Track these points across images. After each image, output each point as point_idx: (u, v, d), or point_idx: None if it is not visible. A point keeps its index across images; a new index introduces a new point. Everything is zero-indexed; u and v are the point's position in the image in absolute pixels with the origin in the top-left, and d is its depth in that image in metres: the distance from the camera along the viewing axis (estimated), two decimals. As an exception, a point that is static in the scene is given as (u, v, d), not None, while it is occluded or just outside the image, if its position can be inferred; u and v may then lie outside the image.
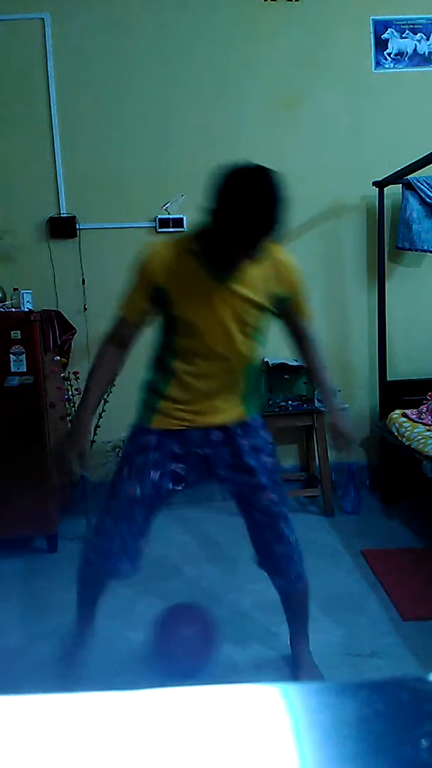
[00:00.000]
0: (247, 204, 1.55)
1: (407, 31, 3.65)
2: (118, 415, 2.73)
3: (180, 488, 1.88)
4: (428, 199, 3.49)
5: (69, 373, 3.23)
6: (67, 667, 2.07)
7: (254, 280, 1.75)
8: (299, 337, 1.94)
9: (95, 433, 2.97)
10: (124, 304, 1.80)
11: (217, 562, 2.92)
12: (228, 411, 1.86)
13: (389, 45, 3.66)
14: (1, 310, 3.14)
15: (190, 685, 0.42)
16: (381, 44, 3.66)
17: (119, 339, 1.82)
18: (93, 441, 2.83)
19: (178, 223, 3.60)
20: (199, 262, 1.72)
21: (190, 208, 3.61)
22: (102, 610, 2.23)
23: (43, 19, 3.52)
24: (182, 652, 2.03)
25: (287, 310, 1.86)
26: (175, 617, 2.10)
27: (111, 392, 2.63)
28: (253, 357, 1.87)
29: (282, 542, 1.91)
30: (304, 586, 2.00)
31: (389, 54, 3.66)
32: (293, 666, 2.10)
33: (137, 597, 2.56)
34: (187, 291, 1.73)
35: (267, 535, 1.91)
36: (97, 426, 3.10)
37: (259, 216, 1.56)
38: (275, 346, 3.66)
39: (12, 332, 2.93)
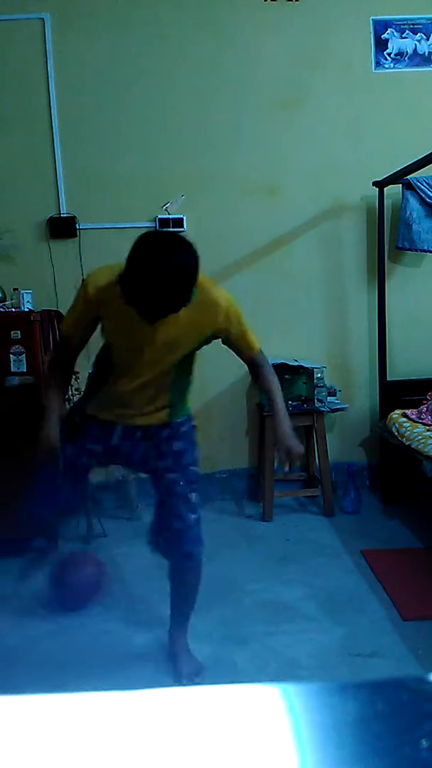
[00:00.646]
0: (141, 280, 1.61)
1: (407, 31, 3.65)
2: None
3: (94, 464, 2.12)
4: (428, 199, 3.49)
5: (69, 373, 3.23)
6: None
7: (182, 324, 1.82)
8: (249, 367, 2.05)
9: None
10: (67, 324, 1.97)
11: (217, 562, 2.91)
12: (152, 418, 2.00)
13: (389, 45, 3.65)
14: (1, 310, 3.14)
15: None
16: (381, 44, 3.66)
17: (63, 351, 2.02)
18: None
19: (178, 223, 3.59)
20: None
21: (190, 208, 3.61)
22: (104, 610, 2.23)
23: (43, 19, 3.52)
24: (75, 589, 2.39)
25: (229, 344, 1.97)
26: (70, 561, 2.44)
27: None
28: (181, 375, 1.98)
29: (177, 518, 2.02)
30: (193, 567, 2.07)
31: (389, 54, 3.66)
32: (170, 656, 2.15)
33: (139, 597, 2.56)
34: (119, 326, 1.86)
35: (166, 510, 2.05)
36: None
37: (151, 293, 1.62)
38: (275, 347, 3.67)
39: (12, 332, 2.93)
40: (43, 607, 2.45)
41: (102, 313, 1.87)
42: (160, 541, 2.08)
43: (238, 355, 2.02)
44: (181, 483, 2.03)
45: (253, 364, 2.03)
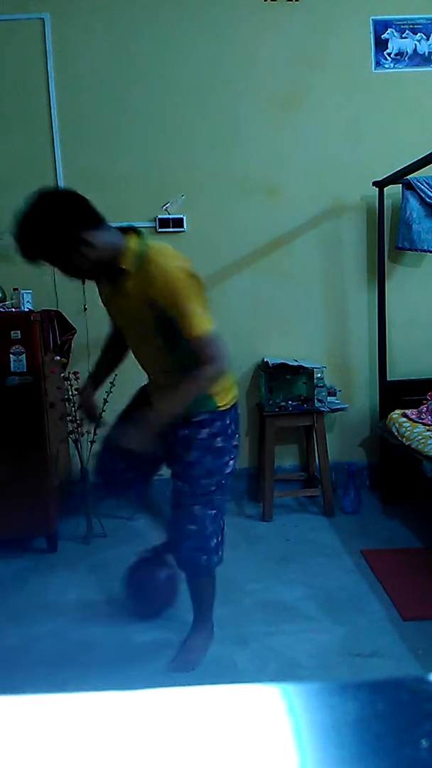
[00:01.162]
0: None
1: (407, 31, 3.65)
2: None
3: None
4: (428, 199, 3.49)
5: (69, 373, 3.22)
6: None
7: (131, 294, 1.84)
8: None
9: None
10: None
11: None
12: None
13: (389, 45, 3.65)
14: (1, 310, 3.14)
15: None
16: (381, 44, 3.66)
17: (111, 327, 2.23)
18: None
19: (178, 223, 3.59)
20: None
21: (190, 208, 3.61)
22: (106, 611, 2.21)
23: (43, 19, 3.52)
24: (151, 596, 2.38)
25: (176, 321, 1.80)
26: (145, 567, 2.39)
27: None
28: (183, 364, 1.83)
29: (172, 527, 2.07)
30: (188, 577, 2.11)
31: (389, 54, 3.66)
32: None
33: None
34: (105, 301, 2.03)
35: (171, 514, 2.08)
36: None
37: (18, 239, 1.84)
38: (275, 347, 3.67)
39: (12, 332, 2.93)
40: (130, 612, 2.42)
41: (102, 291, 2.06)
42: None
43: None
44: (186, 493, 1.98)
45: (195, 349, 1.76)
